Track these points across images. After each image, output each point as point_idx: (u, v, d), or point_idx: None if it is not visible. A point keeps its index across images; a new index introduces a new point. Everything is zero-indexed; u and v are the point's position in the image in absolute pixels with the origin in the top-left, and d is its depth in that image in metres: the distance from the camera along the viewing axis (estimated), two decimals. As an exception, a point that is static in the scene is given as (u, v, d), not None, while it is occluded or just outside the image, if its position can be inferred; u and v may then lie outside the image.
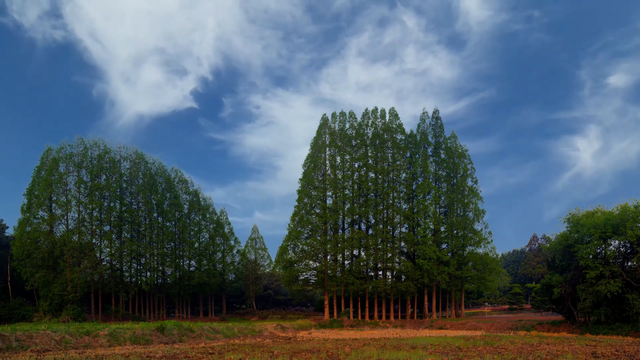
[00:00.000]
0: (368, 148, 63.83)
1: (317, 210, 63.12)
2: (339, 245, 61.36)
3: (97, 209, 56.40)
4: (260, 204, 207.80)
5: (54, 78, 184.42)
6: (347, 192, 63.31)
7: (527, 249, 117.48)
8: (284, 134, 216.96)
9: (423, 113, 66.30)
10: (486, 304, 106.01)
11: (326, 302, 63.40)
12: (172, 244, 70.17)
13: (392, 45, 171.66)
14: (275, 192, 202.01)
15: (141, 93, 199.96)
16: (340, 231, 63.46)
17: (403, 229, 64.25)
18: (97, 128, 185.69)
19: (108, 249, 57.97)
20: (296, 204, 63.11)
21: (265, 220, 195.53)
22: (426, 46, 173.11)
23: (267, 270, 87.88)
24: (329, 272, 61.23)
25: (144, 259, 64.46)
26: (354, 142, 64.09)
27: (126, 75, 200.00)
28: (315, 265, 63.70)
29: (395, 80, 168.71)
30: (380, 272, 64.41)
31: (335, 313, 62.78)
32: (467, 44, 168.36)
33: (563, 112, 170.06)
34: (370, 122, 64.62)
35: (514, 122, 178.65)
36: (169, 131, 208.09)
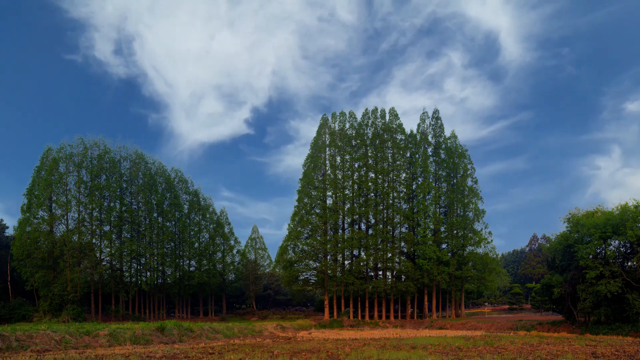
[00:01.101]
0: (368, 148, 63.81)
1: (317, 210, 63.10)
2: (339, 245, 61.34)
3: (97, 209, 56.39)
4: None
5: (118, 109, 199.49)
6: (347, 192, 63.29)
7: (527, 249, 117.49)
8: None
9: (423, 113, 66.32)
10: (486, 304, 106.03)
11: (326, 302, 63.39)
12: (172, 244, 70.15)
13: (434, 75, 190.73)
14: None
15: (198, 123, 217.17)
16: (340, 231, 63.44)
17: (403, 229, 64.23)
18: (158, 155, 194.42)
19: (108, 249, 57.96)
20: (296, 204, 63.13)
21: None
22: (466, 79, 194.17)
23: (267, 270, 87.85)
24: (329, 272, 61.22)
25: (144, 259, 64.45)
26: (354, 142, 64.07)
27: (185, 108, 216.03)
28: (315, 265, 63.70)
29: (433, 106, 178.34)
30: (380, 272, 64.40)
31: (335, 313, 62.77)
32: (504, 77, 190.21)
33: (585, 134, 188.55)
34: (370, 122, 64.60)
35: (540, 144, 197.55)
36: (220, 156, 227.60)
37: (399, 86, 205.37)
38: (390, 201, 62.69)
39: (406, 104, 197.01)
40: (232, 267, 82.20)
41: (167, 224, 69.51)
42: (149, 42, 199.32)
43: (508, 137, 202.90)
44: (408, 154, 65.49)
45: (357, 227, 64.51)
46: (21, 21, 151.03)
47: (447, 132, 66.71)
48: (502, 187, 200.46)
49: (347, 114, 64.98)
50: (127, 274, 62.08)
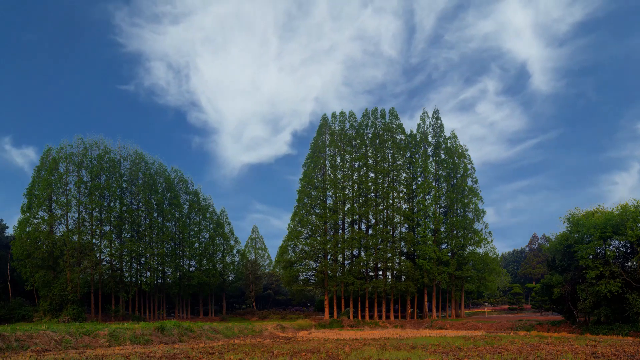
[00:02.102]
0: (368, 148, 63.79)
1: (317, 210, 63.09)
2: (339, 245, 61.33)
3: (97, 209, 56.39)
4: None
5: (167, 135, 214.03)
6: (347, 192, 63.27)
7: (527, 249, 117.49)
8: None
9: (423, 113, 66.30)
10: (486, 304, 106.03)
11: (326, 302, 63.39)
12: (172, 244, 70.14)
13: (467, 100, 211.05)
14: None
15: (242, 147, 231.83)
16: (340, 231, 63.43)
17: (403, 229, 64.22)
18: (204, 176, 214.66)
19: (108, 249, 57.97)
20: (296, 204, 63.12)
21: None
22: (498, 104, 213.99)
23: (267, 270, 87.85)
24: (329, 272, 61.22)
25: (144, 259, 64.44)
26: (354, 142, 64.05)
27: (231, 133, 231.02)
28: (315, 265, 63.69)
29: (465, 128, 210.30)
30: (380, 272, 64.39)
31: (335, 313, 62.77)
32: (531, 103, 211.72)
33: (604, 153, 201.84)
34: (370, 122, 64.58)
35: (562, 162, 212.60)
36: (259, 176, 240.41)
37: (432, 109, 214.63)
38: (390, 201, 62.68)
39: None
40: (232, 267, 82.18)
41: (167, 224, 69.51)
42: (201, 73, 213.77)
43: (533, 156, 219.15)
44: (408, 154, 65.48)
45: (357, 227, 64.50)
46: (82, 54, 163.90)
47: (447, 132, 66.76)
48: (526, 202, 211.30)
49: (347, 114, 65.00)
50: (127, 274, 62.05)
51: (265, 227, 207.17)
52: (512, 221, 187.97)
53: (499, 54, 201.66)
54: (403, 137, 64.82)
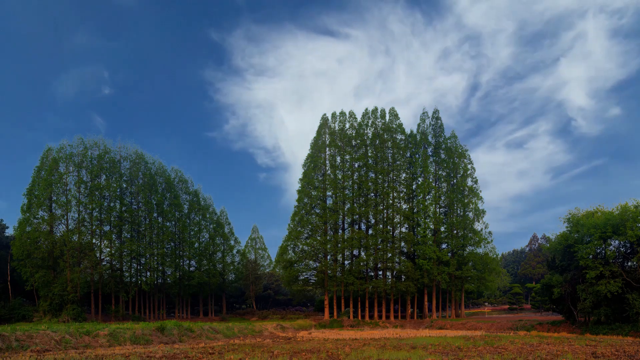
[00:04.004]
0: (368, 148, 63.78)
1: (317, 210, 63.08)
2: (339, 245, 61.32)
3: (97, 209, 56.38)
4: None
5: (244, 174, 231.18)
6: (347, 192, 63.26)
7: (527, 249, 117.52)
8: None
9: (423, 113, 66.30)
10: (486, 304, 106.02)
11: (326, 302, 63.38)
12: (172, 244, 70.13)
13: (518, 137, 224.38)
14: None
15: None
16: (340, 231, 63.42)
17: (403, 229, 64.20)
18: (275, 209, 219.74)
19: (108, 249, 57.95)
20: (296, 204, 63.10)
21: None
22: (547, 142, 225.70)
23: (267, 270, 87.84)
24: (329, 272, 61.21)
25: (144, 259, 64.43)
26: (354, 142, 64.04)
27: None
28: (315, 265, 63.68)
29: (514, 160, 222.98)
30: (380, 272, 64.38)
31: (335, 313, 62.75)
32: (578, 141, 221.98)
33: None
34: (370, 122, 64.56)
35: (606, 185, 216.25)
36: None
37: (486, 146, 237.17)
38: (390, 201, 62.67)
39: (487, 158, 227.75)
40: (232, 267, 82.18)
41: (167, 224, 69.50)
42: (278, 123, 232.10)
43: (576, 184, 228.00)
44: (408, 154, 65.47)
45: (357, 227, 64.50)
46: (180, 107, 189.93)
47: (447, 132, 66.74)
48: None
49: (347, 113, 64.96)
50: (127, 274, 62.04)
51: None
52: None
53: (553, 103, 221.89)
54: (403, 137, 64.82)
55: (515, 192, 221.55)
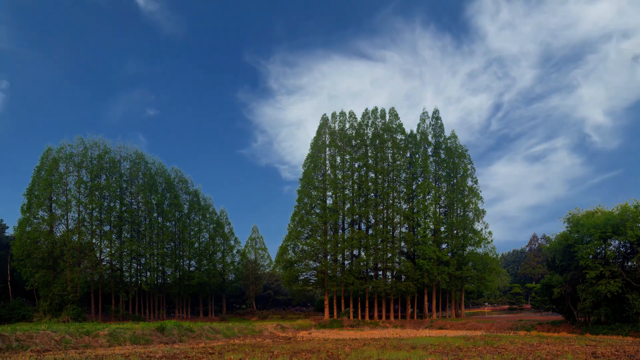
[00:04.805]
0: (368, 148, 63.77)
1: (317, 210, 63.08)
2: (339, 245, 61.32)
3: (97, 209, 56.37)
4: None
5: (267, 185, 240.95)
6: (347, 192, 63.26)
7: (527, 249, 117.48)
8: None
9: (423, 113, 66.27)
10: (486, 304, 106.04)
11: (326, 302, 63.38)
12: (172, 244, 70.14)
13: (537, 152, 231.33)
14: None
15: None
16: (340, 231, 63.42)
17: (403, 229, 64.20)
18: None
19: (108, 249, 57.94)
20: (296, 204, 63.09)
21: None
22: (564, 156, 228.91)
23: (267, 270, 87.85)
24: (329, 272, 61.20)
25: (144, 259, 64.42)
26: (354, 142, 64.03)
27: None
28: (315, 265, 63.68)
29: (532, 172, 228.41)
30: (380, 272, 64.37)
31: (335, 313, 62.75)
32: (595, 157, 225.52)
33: None
34: (370, 122, 64.56)
35: (622, 194, 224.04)
36: None
37: (505, 159, 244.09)
38: (390, 201, 62.67)
39: (506, 170, 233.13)
40: (232, 267, 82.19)
41: (167, 224, 69.49)
42: (305, 138, 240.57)
43: (593, 194, 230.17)
44: (408, 154, 65.46)
45: (357, 227, 64.50)
46: (216, 126, 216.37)
47: (447, 132, 66.73)
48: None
49: (347, 113, 64.95)
50: (127, 274, 62.04)
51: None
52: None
53: (572, 120, 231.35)
54: (403, 137, 64.80)
55: (533, 203, 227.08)
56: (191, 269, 73.93)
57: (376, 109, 64.74)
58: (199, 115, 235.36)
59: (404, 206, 64.32)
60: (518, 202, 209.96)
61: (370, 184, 62.26)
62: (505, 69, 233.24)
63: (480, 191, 64.91)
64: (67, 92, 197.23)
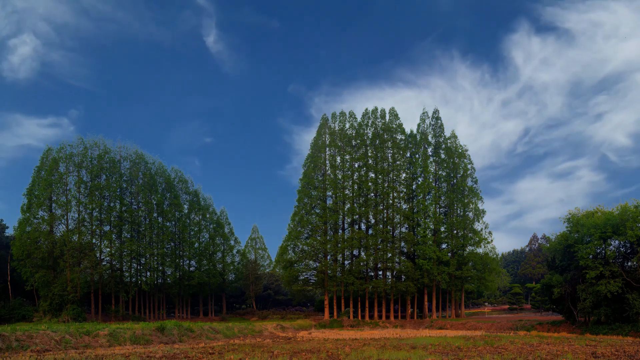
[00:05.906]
0: (368, 148, 63.78)
1: (317, 210, 63.09)
2: (339, 245, 61.34)
3: (97, 209, 56.39)
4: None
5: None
6: (347, 192, 63.28)
7: (527, 249, 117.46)
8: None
9: (423, 113, 66.28)
10: (486, 304, 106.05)
11: (326, 302, 63.40)
12: (172, 244, 70.14)
13: (560, 169, 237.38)
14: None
15: None
16: (340, 231, 63.44)
17: (403, 229, 64.22)
18: None
19: (108, 249, 57.95)
20: (296, 204, 63.12)
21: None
22: (585, 173, 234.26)
23: (267, 270, 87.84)
24: (329, 272, 61.22)
25: (144, 259, 64.43)
26: (354, 142, 64.05)
27: None
28: (315, 265, 63.70)
29: (555, 188, 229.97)
30: (380, 272, 64.39)
31: (335, 313, 62.76)
32: (612, 165, 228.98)
33: None
34: (370, 122, 64.57)
35: None
36: None
37: (529, 175, 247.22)
38: (390, 201, 62.68)
39: (529, 186, 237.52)
40: (232, 267, 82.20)
41: (167, 224, 69.48)
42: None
43: (613, 207, 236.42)
44: (408, 154, 65.47)
45: (357, 227, 64.51)
46: (259, 150, 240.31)
47: (447, 132, 66.73)
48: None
49: (347, 113, 64.98)
50: (127, 274, 62.04)
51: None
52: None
53: (596, 142, 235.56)
54: (403, 137, 64.81)
55: (555, 215, 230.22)
56: (191, 269, 73.92)
57: (376, 109, 64.78)
58: (247, 140, 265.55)
59: (404, 206, 64.33)
60: (541, 216, 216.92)
61: (370, 184, 62.27)
62: (537, 97, 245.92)
63: (480, 191, 65.06)
64: (136, 120, 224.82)
